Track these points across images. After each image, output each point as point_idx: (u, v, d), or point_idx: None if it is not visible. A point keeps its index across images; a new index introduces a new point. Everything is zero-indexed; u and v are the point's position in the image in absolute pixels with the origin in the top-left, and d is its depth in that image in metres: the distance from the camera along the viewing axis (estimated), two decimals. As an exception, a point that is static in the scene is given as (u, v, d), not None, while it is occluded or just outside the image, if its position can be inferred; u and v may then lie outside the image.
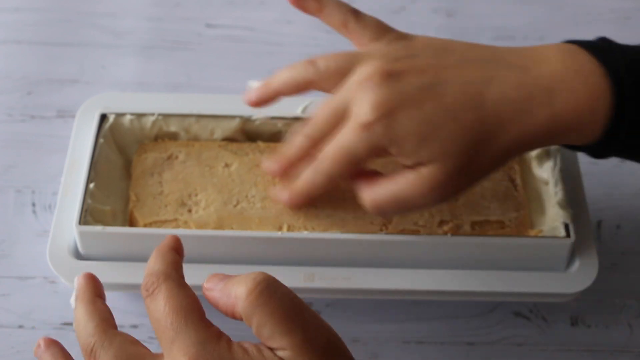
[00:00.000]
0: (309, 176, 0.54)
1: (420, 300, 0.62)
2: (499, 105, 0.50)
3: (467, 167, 0.50)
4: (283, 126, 0.63)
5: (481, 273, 0.57)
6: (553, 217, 0.59)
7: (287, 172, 0.56)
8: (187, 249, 0.57)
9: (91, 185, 0.58)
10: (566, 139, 0.52)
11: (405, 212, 0.55)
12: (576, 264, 0.58)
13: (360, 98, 0.50)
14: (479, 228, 0.59)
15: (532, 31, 0.80)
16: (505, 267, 0.58)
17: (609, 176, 0.70)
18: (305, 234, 0.57)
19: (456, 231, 0.59)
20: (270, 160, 0.58)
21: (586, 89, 0.50)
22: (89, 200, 0.57)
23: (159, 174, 0.61)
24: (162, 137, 0.63)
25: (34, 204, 0.67)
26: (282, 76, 0.55)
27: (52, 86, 0.75)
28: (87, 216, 0.57)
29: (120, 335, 0.44)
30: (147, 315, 0.61)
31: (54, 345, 0.46)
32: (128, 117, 0.62)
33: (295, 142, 0.55)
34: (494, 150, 0.50)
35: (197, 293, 0.60)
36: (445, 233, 0.58)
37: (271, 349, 0.40)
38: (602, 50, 0.51)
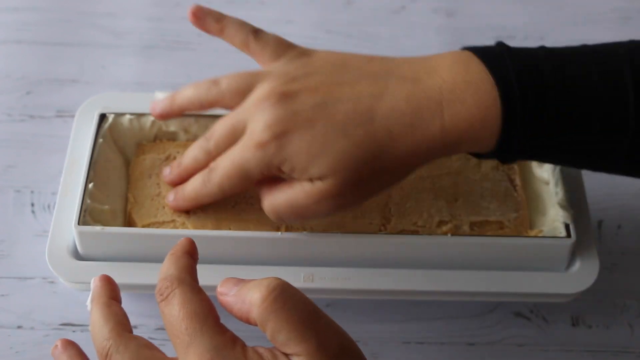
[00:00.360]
0: (197, 185, 0.56)
1: (420, 300, 0.62)
2: (389, 119, 0.50)
3: (360, 181, 0.51)
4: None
5: (481, 273, 0.57)
6: (553, 217, 0.59)
7: (182, 181, 0.57)
8: (187, 249, 0.57)
9: (90, 186, 0.58)
10: (462, 148, 0.52)
11: (301, 218, 0.55)
12: (577, 264, 0.58)
13: (256, 117, 0.52)
14: (478, 228, 0.59)
15: (532, 31, 0.80)
16: (506, 267, 0.57)
17: (609, 176, 0.69)
18: (305, 234, 0.57)
19: (455, 231, 0.58)
20: (168, 168, 0.59)
21: (475, 99, 0.50)
22: (88, 201, 0.57)
23: (157, 176, 0.61)
24: (162, 137, 0.63)
25: (33, 204, 0.67)
26: (186, 93, 0.58)
27: (52, 86, 0.74)
28: (87, 216, 0.57)
29: (135, 339, 0.44)
30: (147, 316, 0.62)
31: (71, 346, 0.46)
32: (127, 117, 0.62)
33: (191, 153, 0.56)
34: (388, 163, 0.51)
35: (196, 293, 0.60)
36: (445, 233, 0.58)
37: (286, 355, 0.41)
38: (495, 57, 0.51)
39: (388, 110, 0.51)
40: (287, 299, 0.41)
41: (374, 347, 0.61)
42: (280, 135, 0.51)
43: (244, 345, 0.42)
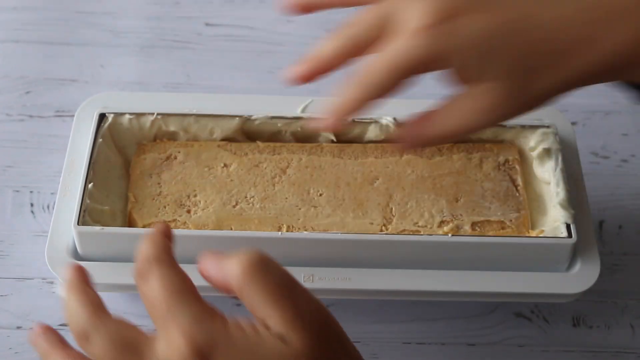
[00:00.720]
0: (355, 91, 0.47)
1: (421, 300, 0.62)
2: (567, 28, 0.44)
3: (525, 90, 0.45)
4: (283, 126, 0.63)
5: (482, 273, 0.57)
6: (555, 218, 0.58)
7: (316, 77, 0.49)
8: (187, 250, 0.56)
9: (90, 186, 0.58)
10: (632, 74, 0.46)
11: (458, 137, 0.51)
12: (578, 265, 0.58)
13: (413, 4, 0.45)
14: (480, 228, 0.59)
15: (533, 30, 0.80)
16: (507, 267, 0.57)
17: (611, 176, 0.70)
18: (305, 234, 0.57)
19: (456, 231, 0.58)
20: (299, 64, 0.49)
21: None
22: (87, 201, 0.57)
23: (158, 175, 0.60)
24: (161, 137, 0.63)
25: (32, 204, 0.67)
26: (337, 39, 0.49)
27: (51, 85, 0.74)
28: (86, 216, 0.57)
29: (114, 319, 0.43)
30: (147, 316, 0.61)
31: (50, 331, 0.45)
32: (127, 116, 0.62)
33: (330, 43, 0.48)
34: (557, 76, 0.45)
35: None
36: (446, 233, 0.58)
37: (265, 326, 0.40)
38: None
39: (567, 18, 0.44)
40: (265, 269, 0.41)
41: (374, 347, 0.61)
42: (449, 17, 0.44)
43: (223, 317, 0.41)
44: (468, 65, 0.45)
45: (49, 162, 0.69)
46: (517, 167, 0.62)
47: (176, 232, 0.56)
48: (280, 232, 0.57)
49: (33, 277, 0.63)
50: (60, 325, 0.61)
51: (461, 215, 0.59)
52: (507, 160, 0.62)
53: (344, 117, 0.48)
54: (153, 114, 0.62)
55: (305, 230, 0.58)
